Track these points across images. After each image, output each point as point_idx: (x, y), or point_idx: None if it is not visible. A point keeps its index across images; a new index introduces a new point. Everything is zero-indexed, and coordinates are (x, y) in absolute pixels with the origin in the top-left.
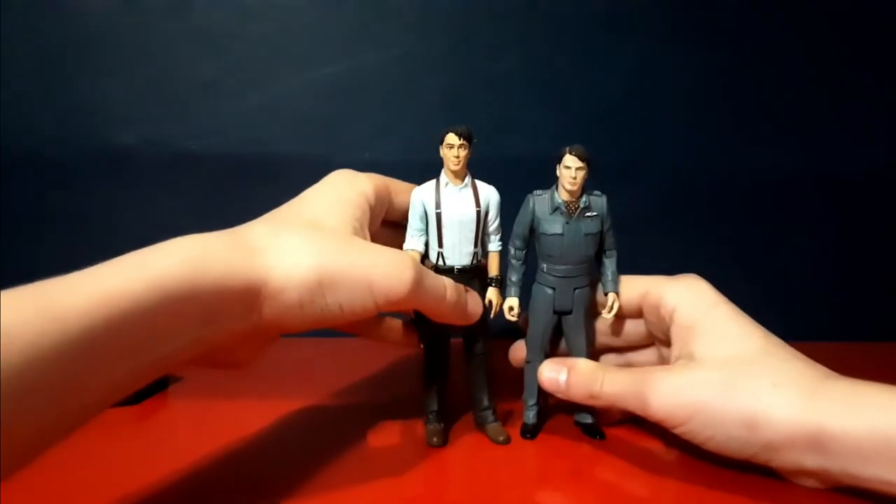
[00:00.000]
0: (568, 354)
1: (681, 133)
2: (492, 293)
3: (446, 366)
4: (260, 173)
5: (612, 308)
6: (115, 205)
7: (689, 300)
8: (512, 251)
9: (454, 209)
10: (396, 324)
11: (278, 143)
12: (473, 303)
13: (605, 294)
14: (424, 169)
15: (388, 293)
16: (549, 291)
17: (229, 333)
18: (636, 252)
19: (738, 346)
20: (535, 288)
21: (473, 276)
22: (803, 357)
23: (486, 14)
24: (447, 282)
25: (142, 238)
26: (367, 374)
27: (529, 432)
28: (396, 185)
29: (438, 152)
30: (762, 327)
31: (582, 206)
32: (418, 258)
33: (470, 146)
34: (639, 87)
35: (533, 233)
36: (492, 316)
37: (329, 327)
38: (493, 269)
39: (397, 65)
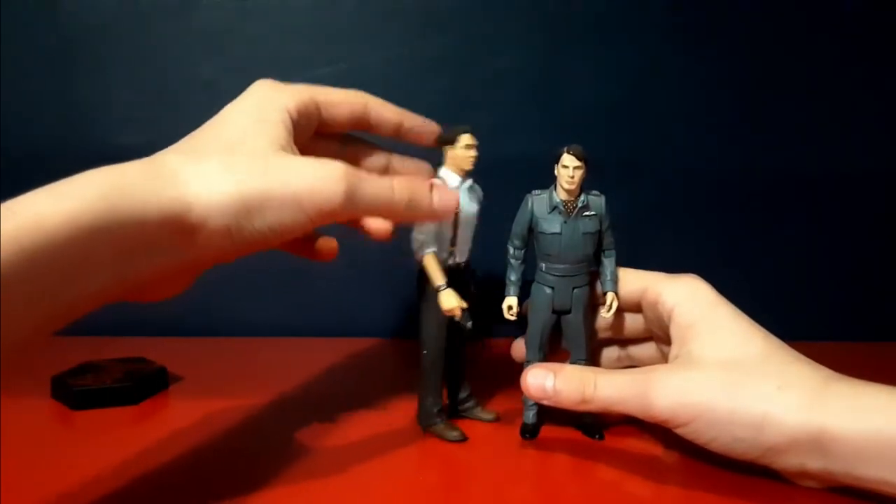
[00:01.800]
0: (568, 354)
1: (680, 133)
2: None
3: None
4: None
5: (610, 307)
6: None
7: (688, 300)
8: (511, 250)
9: (466, 207)
10: (332, 243)
11: None
12: (441, 195)
13: (604, 293)
14: None
15: (321, 206)
16: (548, 291)
17: (154, 268)
18: (636, 252)
19: (739, 349)
20: (534, 287)
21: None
22: (805, 358)
23: (486, 14)
24: (395, 181)
25: None
26: (367, 373)
27: (529, 432)
28: (328, 96)
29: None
30: (762, 328)
31: (580, 205)
32: (353, 168)
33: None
34: (639, 86)
35: (531, 232)
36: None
37: (264, 249)
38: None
39: (397, 65)
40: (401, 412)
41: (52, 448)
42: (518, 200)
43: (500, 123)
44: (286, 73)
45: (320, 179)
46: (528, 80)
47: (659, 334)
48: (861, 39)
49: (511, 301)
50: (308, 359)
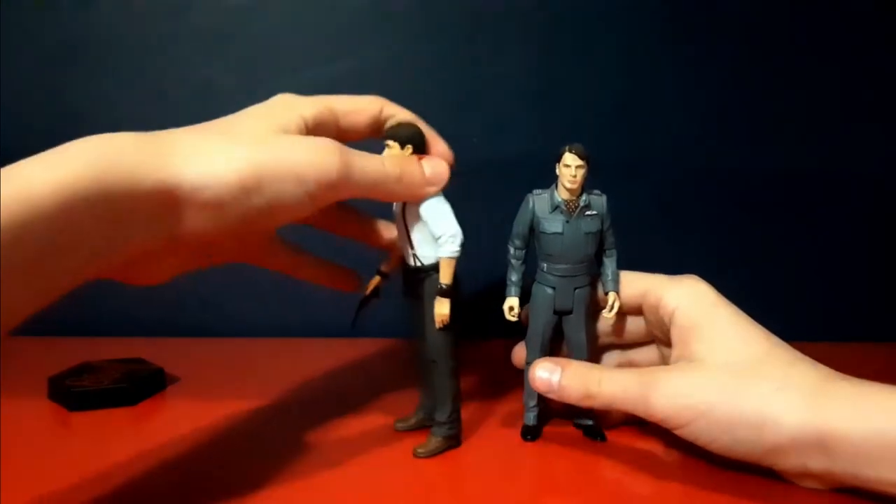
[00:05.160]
0: (569, 355)
1: (681, 133)
2: (443, 305)
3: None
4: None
5: (612, 307)
6: None
7: (689, 302)
8: (511, 251)
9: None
10: (328, 266)
11: None
12: (432, 166)
13: (605, 293)
14: None
15: (319, 179)
16: (550, 291)
17: (143, 241)
18: (636, 251)
19: (741, 350)
20: (535, 288)
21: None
22: (807, 358)
23: (486, 14)
24: (385, 158)
25: None
26: (366, 374)
27: (530, 434)
28: (345, 105)
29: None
30: (763, 328)
31: (582, 204)
32: (345, 146)
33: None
34: (639, 86)
35: (532, 232)
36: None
37: (260, 229)
38: (445, 277)
39: (397, 64)
40: (401, 412)
41: (50, 449)
42: (517, 200)
43: (500, 123)
44: (285, 74)
45: (316, 152)
46: (527, 81)
47: (660, 337)
48: (862, 39)
49: (512, 302)
50: (306, 359)
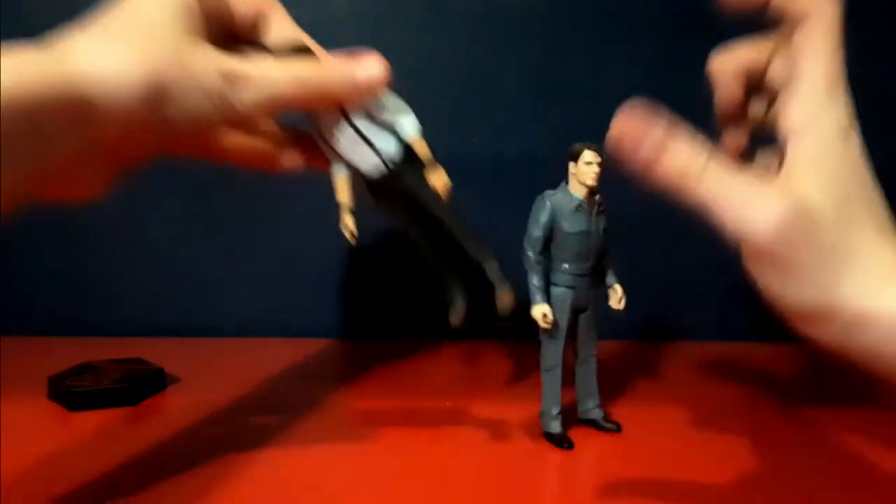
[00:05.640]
0: (578, 352)
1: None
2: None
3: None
4: (259, 172)
5: (620, 299)
6: (115, 205)
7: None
8: (532, 256)
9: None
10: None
11: None
12: (365, 66)
13: (610, 287)
14: None
15: (223, 94)
16: (570, 291)
17: (58, 154)
18: (635, 252)
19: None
20: (553, 290)
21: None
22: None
23: (488, 14)
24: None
25: (143, 237)
26: (365, 374)
27: (565, 441)
28: None
29: (438, 152)
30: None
31: (598, 202)
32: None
33: None
34: (640, 86)
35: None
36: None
37: (177, 139)
38: (426, 153)
39: (397, 65)
40: (400, 412)
41: (50, 449)
42: (517, 200)
43: (501, 123)
44: None
45: (224, 60)
46: (527, 81)
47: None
48: (863, 38)
49: (544, 308)
50: (306, 360)
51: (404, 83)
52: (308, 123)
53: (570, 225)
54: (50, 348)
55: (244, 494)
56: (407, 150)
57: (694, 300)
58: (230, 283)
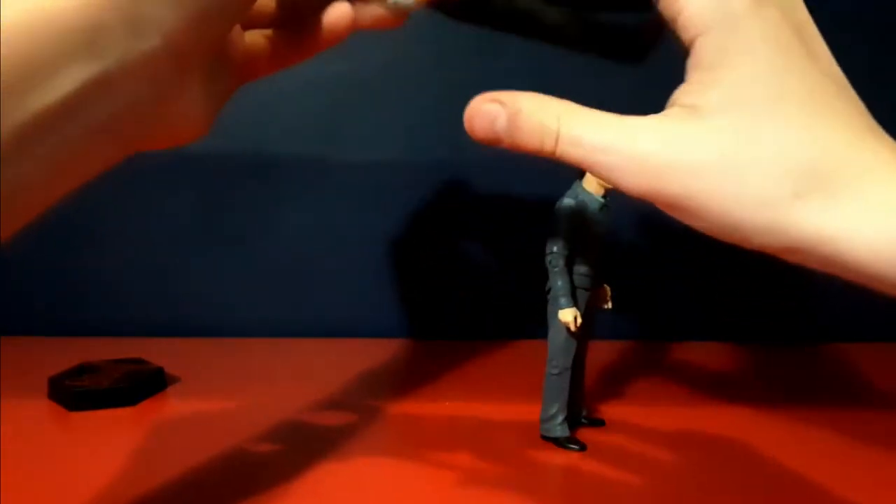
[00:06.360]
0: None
1: None
2: None
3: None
4: (260, 173)
5: (609, 299)
6: (115, 205)
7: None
8: (561, 261)
9: None
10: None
11: (278, 143)
12: None
13: (600, 287)
14: (426, 168)
15: None
16: (586, 293)
17: (125, 63)
18: (635, 251)
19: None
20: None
21: None
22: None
23: None
24: None
25: (143, 237)
26: (365, 374)
27: (576, 443)
28: None
29: (439, 152)
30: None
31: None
32: None
33: None
34: (640, 86)
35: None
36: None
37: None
38: None
39: (397, 64)
40: (401, 413)
41: (49, 449)
42: (517, 200)
43: None
44: (284, 74)
45: None
46: (529, 80)
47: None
48: (863, 38)
49: (574, 311)
50: (306, 360)
51: (405, 83)
52: None
53: (599, 227)
54: (50, 348)
55: (244, 494)
56: None
57: (690, 300)
58: (230, 283)
